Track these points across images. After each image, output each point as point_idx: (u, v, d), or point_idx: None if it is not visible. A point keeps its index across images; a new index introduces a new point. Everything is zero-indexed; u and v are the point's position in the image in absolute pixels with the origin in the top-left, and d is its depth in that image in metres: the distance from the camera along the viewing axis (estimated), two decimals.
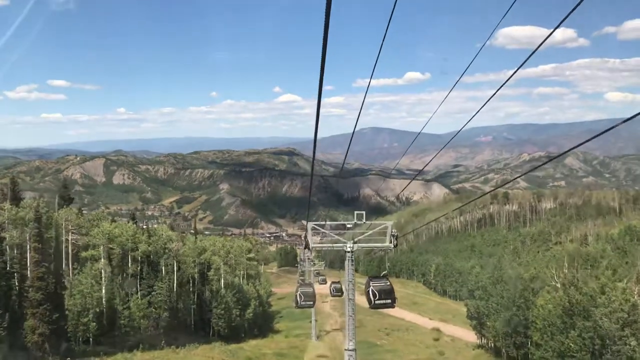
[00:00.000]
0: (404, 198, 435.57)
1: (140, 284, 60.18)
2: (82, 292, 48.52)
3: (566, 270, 53.69)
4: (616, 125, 7.10)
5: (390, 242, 22.52)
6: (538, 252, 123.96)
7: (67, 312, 47.57)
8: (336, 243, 23.24)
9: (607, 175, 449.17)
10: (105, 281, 53.30)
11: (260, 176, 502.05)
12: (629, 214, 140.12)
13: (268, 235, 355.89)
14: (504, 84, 9.44)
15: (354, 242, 22.63)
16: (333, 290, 46.92)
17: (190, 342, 61.19)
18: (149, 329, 57.20)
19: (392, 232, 22.52)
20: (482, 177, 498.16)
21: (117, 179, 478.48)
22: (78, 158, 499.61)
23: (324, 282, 75.22)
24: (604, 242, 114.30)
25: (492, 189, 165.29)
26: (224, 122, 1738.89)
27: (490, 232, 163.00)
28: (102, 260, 52.90)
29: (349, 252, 22.47)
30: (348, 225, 23.42)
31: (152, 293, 58.27)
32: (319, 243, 23.98)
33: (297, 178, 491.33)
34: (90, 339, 50.21)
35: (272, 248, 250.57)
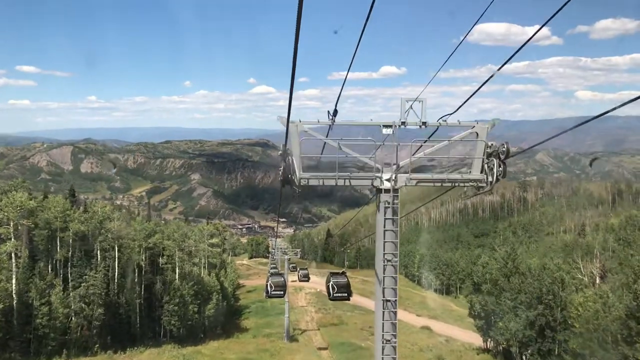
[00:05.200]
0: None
1: (71, 273, 48.37)
2: None
3: (597, 262, 43.39)
4: (583, 123, 7.47)
5: (483, 171, 11.47)
6: (531, 242, 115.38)
7: None
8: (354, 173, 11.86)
9: (577, 172, 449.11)
10: (20, 268, 41.37)
11: (234, 167, 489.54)
12: (624, 205, 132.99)
13: (240, 226, 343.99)
14: (486, 81, 9.78)
15: (397, 168, 11.45)
16: (333, 289, 23.57)
17: (133, 346, 50.17)
18: (78, 329, 45.45)
19: (490, 146, 11.43)
20: (456, 171, 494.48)
21: (85, 167, 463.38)
22: (45, 145, 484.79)
23: (306, 278, 62.50)
24: (604, 232, 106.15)
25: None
26: (198, 113, 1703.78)
27: (475, 222, 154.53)
28: (12, 240, 40.75)
29: (387, 190, 11.33)
30: (386, 131, 11.35)
31: (83, 284, 46.32)
32: (315, 174, 11.75)
33: (271, 170, 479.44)
34: None
35: (244, 240, 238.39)
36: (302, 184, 11.53)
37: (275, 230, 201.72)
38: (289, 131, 10.93)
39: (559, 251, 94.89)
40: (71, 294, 46.56)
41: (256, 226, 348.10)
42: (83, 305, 45.66)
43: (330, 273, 20.96)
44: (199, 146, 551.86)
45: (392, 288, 11.42)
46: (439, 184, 12.16)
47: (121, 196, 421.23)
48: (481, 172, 11.56)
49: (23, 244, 43.50)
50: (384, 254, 11.44)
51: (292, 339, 60.97)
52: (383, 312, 11.45)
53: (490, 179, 11.31)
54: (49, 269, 47.96)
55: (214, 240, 74.00)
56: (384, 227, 11.43)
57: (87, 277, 47.03)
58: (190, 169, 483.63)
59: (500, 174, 11.04)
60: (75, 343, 44.65)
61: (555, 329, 39.94)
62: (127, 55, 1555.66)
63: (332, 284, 20.44)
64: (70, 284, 47.88)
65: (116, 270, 51.24)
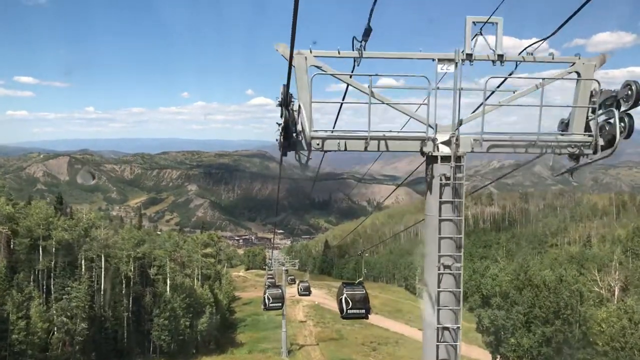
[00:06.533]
0: (375, 202, 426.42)
1: (53, 284, 45.33)
2: None
3: (617, 275, 40.68)
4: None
5: (589, 129, 7.77)
6: (535, 254, 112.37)
7: None
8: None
9: (575, 184, 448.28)
10: None
11: (231, 178, 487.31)
12: (629, 216, 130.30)
13: (237, 238, 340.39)
14: (493, 92, 7.98)
15: (459, 126, 7.66)
16: (347, 303, 18.61)
17: None
18: (59, 345, 42.31)
19: (600, 91, 7.50)
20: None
21: (82, 178, 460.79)
22: (41, 156, 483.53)
23: (307, 291, 59.52)
24: (611, 244, 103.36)
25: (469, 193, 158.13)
26: (195, 124, 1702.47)
27: (476, 234, 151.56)
28: None
29: (445, 158, 7.60)
30: (442, 68, 7.53)
31: (65, 296, 43.26)
32: (332, 131, 7.67)
33: (269, 181, 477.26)
34: None
35: (241, 251, 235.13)
36: (314, 147, 7.61)
37: (272, 241, 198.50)
38: (293, 66, 7.10)
39: (566, 263, 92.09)
40: (53, 307, 43.52)
41: (253, 238, 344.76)
42: (65, 319, 42.57)
43: (344, 283, 16.96)
44: (196, 157, 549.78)
45: (451, 310, 7.57)
46: (523, 150, 7.98)
47: (117, 207, 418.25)
48: (586, 131, 7.80)
49: (0, 253, 40.59)
50: (440, 256, 7.64)
51: (289, 354, 57.90)
52: (437, 346, 7.50)
53: (601, 141, 7.48)
54: (30, 280, 44.98)
55: (208, 250, 70.86)
56: (440, 216, 7.64)
57: (70, 288, 43.97)
58: (188, 180, 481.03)
59: (623, 132, 7.07)
60: None
61: (574, 347, 36.97)
62: (125, 67, 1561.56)
63: (345, 297, 15.79)
64: (52, 296, 44.85)
65: (102, 282, 48.21)
